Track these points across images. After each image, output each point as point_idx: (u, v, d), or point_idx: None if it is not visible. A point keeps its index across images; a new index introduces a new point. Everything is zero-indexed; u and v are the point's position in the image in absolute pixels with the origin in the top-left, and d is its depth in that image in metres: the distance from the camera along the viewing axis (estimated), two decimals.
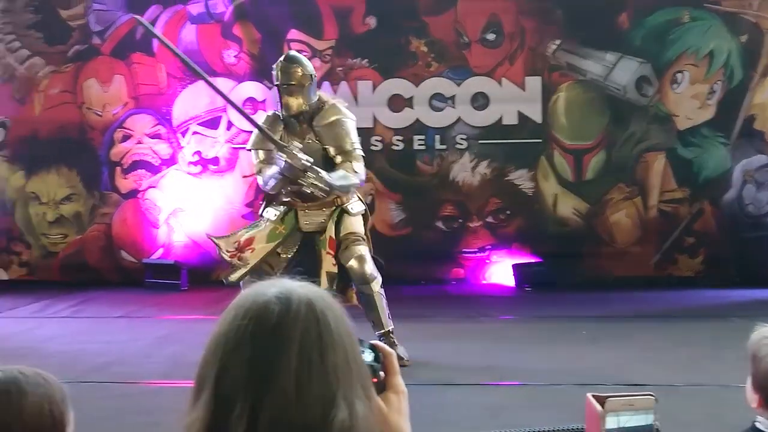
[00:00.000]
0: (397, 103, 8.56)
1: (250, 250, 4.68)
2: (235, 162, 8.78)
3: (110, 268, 8.98)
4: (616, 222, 8.39)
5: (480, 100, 8.47)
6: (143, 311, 7.10)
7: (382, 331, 4.81)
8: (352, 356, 0.96)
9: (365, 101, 8.47)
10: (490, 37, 8.48)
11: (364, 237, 4.94)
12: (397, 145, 8.58)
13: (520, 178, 8.48)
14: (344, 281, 4.86)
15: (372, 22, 8.59)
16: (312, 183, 4.51)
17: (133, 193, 8.98)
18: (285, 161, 4.50)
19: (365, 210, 5.14)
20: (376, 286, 4.81)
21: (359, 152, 4.96)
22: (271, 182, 4.71)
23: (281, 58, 5.09)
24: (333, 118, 4.88)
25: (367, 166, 8.37)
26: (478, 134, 8.50)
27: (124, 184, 8.99)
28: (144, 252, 8.93)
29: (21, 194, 9.11)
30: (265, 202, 5.07)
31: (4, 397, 1.23)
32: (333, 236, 4.78)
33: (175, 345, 5.59)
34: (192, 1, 8.80)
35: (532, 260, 8.31)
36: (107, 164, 8.99)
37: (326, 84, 8.58)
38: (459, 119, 8.50)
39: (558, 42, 8.39)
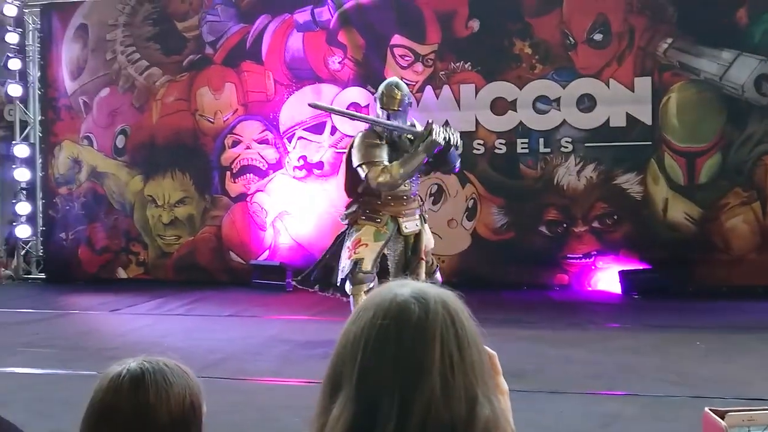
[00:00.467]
0: (500, 106, 8.48)
1: (364, 246, 5.16)
2: (338, 166, 8.93)
3: (220, 268, 9.35)
4: (732, 228, 7.98)
5: (586, 102, 8.27)
6: (251, 311, 7.34)
7: None
8: (483, 354, 0.98)
9: (467, 105, 8.45)
10: (598, 37, 8.27)
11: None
12: (500, 149, 8.50)
13: (628, 181, 8.21)
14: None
15: (475, 25, 8.55)
16: (444, 134, 5.14)
17: (241, 197, 9.31)
18: (423, 142, 5.09)
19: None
20: None
21: None
22: (410, 168, 5.12)
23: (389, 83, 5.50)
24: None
25: (469, 169, 8.47)
26: (584, 137, 8.30)
27: (234, 187, 9.34)
28: (251, 253, 9.24)
29: (139, 197, 9.63)
30: (354, 215, 5.34)
31: (153, 386, 1.31)
32: (426, 244, 5.40)
33: (283, 344, 5.75)
34: (298, 10, 9.05)
35: (641, 267, 8.03)
36: (218, 169, 9.37)
37: (428, 88, 8.62)
38: (564, 122, 8.33)
39: (670, 40, 8.08)
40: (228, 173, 9.35)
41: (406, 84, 5.88)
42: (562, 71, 8.34)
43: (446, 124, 5.36)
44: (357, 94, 8.84)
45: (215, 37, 9.36)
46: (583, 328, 6.22)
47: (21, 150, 9.90)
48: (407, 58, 8.76)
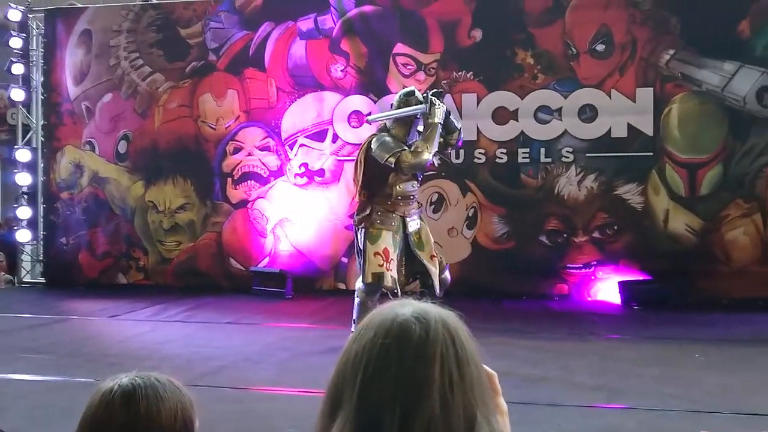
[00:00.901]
0: (501, 115, 8.50)
1: (392, 261, 5.54)
2: (339, 174, 8.95)
3: (220, 274, 9.35)
4: (732, 240, 7.98)
5: (588, 112, 8.29)
6: (251, 318, 7.32)
7: None
8: (483, 374, 0.99)
9: (469, 114, 8.46)
10: (600, 47, 8.29)
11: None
12: (501, 158, 8.51)
13: (629, 192, 8.22)
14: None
15: (478, 34, 8.57)
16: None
17: (242, 203, 9.32)
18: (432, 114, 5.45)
19: None
20: None
21: None
22: (432, 140, 5.44)
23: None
24: None
25: (470, 178, 8.48)
26: (586, 147, 8.31)
27: (235, 194, 9.35)
28: (251, 260, 9.24)
29: (140, 203, 9.64)
30: (368, 219, 5.55)
31: (144, 402, 1.31)
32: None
33: (282, 352, 5.73)
34: (302, 18, 9.07)
35: (641, 278, 8.02)
36: (219, 175, 9.38)
37: None
38: (565, 132, 8.34)
39: (672, 51, 8.09)
40: (229, 180, 9.36)
41: None
42: (564, 81, 8.36)
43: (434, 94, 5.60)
44: (359, 102, 8.86)
45: (218, 43, 9.38)
46: (582, 338, 6.21)
47: (23, 154, 9.92)
48: (410, 67, 8.78)
